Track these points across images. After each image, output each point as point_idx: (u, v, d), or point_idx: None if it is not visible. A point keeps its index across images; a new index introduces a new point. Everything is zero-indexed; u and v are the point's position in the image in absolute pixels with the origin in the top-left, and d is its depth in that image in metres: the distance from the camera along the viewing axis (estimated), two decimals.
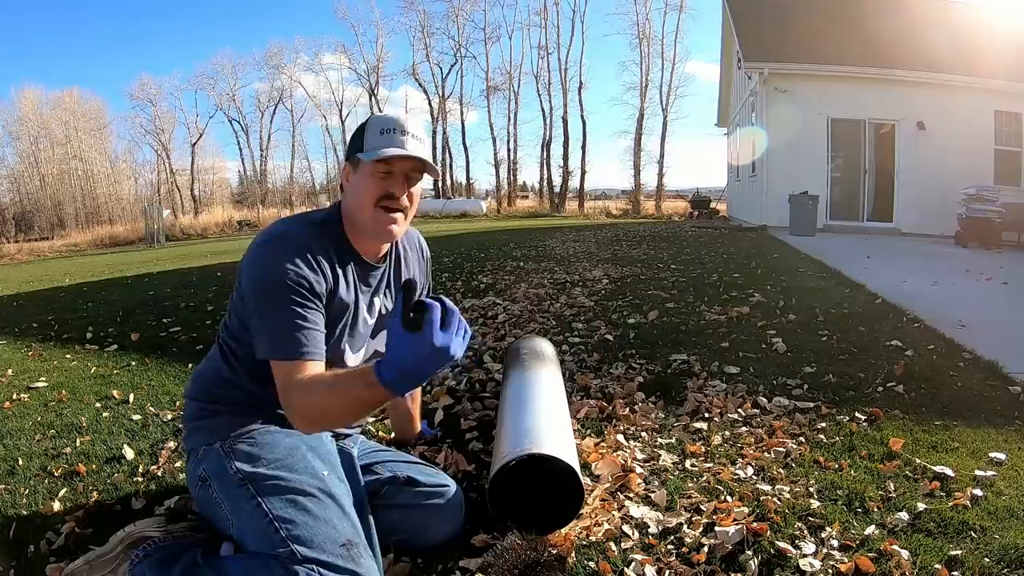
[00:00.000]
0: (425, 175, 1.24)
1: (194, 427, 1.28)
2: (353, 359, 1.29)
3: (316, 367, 1.13)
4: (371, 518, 1.24)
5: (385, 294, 1.34)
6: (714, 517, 1.42)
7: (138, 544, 1.20)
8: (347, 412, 1.11)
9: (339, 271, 1.21)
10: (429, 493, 1.36)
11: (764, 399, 2.20)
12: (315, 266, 1.16)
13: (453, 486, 1.40)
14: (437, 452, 1.77)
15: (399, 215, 1.21)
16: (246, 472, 1.15)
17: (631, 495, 1.55)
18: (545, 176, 29.35)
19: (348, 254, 1.24)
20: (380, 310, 1.32)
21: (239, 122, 32.62)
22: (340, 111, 32.59)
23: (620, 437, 1.89)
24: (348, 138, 1.26)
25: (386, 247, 1.32)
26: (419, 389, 1.68)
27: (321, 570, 1.01)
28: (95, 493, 1.64)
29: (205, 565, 1.12)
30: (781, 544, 1.30)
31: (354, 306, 1.25)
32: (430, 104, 30.31)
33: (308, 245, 1.16)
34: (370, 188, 1.18)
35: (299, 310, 1.12)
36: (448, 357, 0.98)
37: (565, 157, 27.61)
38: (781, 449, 1.79)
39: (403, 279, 1.35)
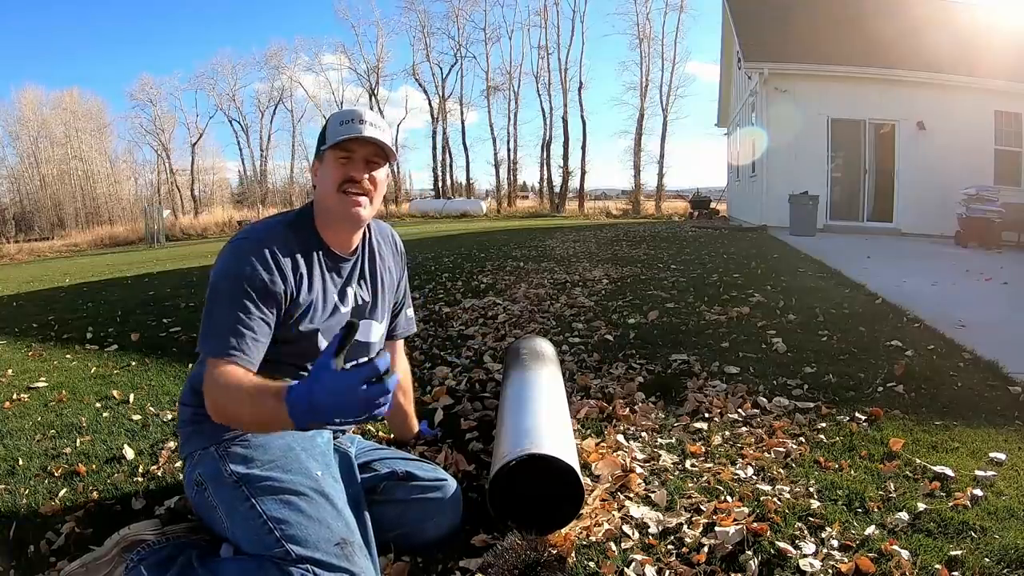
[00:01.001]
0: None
1: (189, 432, 1.28)
2: None
3: (240, 372, 1.12)
4: (367, 516, 1.24)
5: (360, 284, 1.35)
6: (714, 517, 1.42)
7: (133, 547, 1.20)
8: (255, 423, 1.08)
9: (304, 268, 1.23)
10: (427, 487, 1.36)
11: (764, 399, 2.20)
12: (273, 266, 1.17)
13: (451, 480, 1.40)
14: (437, 452, 1.77)
15: (363, 198, 1.24)
16: (240, 474, 1.15)
17: (631, 495, 1.55)
18: (545, 176, 29.43)
19: (317, 248, 1.27)
20: (355, 300, 1.34)
21: (239, 122, 32.70)
22: None
23: (620, 437, 1.89)
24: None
25: (357, 239, 1.34)
26: (411, 385, 1.68)
27: (316, 569, 1.02)
28: (95, 493, 1.64)
29: (200, 567, 1.12)
30: (781, 544, 1.30)
31: (324, 297, 1.27)
32: (430, 104, 30.36)
33: (271, 245, 1.18)
34: (332, 174, 1.23)
35: (242, 314, 1.13)
36: (354, 410, 0.92)
37: (565, 157, 27.67)
38: (781, 449, 1.79)
39: (378, 272, 1.39)
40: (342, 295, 1.31)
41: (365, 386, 0.90)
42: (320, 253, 1.27)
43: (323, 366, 0.93)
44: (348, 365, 0.93)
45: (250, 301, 1.14)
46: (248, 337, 1.13)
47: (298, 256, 1.23)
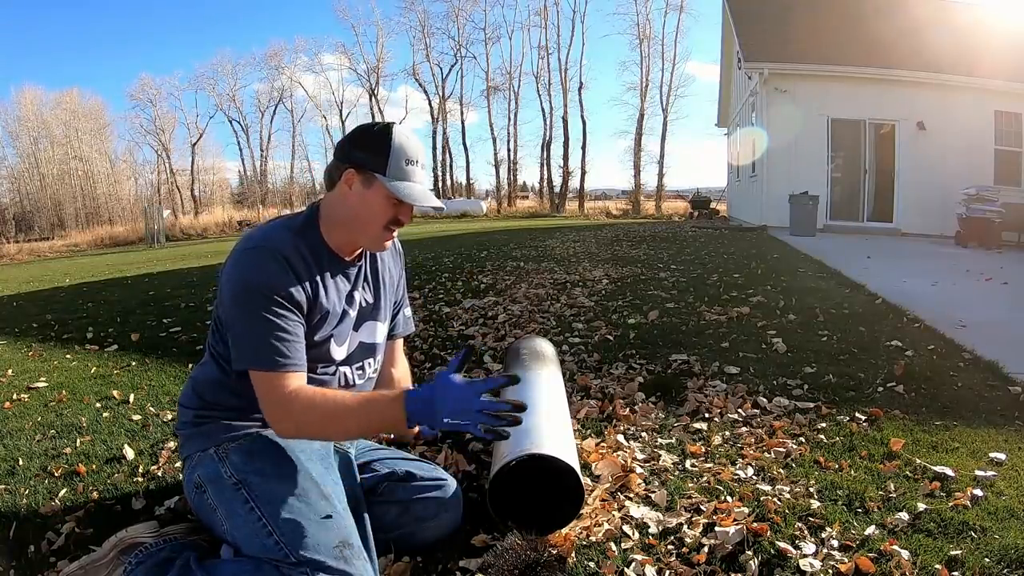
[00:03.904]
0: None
1: (189, 434, 1.27)
2: (339, 351, 1.30)
3: (300, 379, 1.15)
4: (367, 518, 1.24)
5: (364, 288, 1.35)
6: (714, 517, 1.42)
7: (131, 550, 1.20)
8: (356, 432, 1.20)
9: (318, 275, 1.22)
10: (427, 487, 1.36)
11: (764, 399, 2.20)
12: (293, 274, 1.16)
13: (451, 480, 1.40)
14: (437, 452, 1.77)
15: (395, 232, 1.28)
16: (240, 476, 1.15)
17: (631, 495, 1.55)
18: (545, 176, 29.37)
19: (326, 255, 1.26)
20: (360, 303, 1.34)
21: (239, 122, 32.66)
22: (340, 111, 32.40)
23: (620, 437, 1.89)
24: (353, 137, 1.24)
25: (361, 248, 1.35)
26: (411, 384, 1.68)
27: (314, 572, 1.02)
28: (95, 493, 1.64)
29: (198, 570, 1.12)
30: (781, 544, 1.30)
31: (336, 304, 1.27)
32: (430, 104, 30.33)
33: (287, 253, 1.17)
34: (383, 213, 1.22)
35: (276, 320, 1.13)
36: (471, 412, 1.07)
37: (565, 157, 27.62)
38: (781, 449, 1.79)
39: (380, 274, 1.40)
40: (349, 299, 1.30)
41: (485, 396, 1.06)
42: (329, 260, 1.26)
43: (446, 379, 1.07)
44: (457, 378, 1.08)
45: (281, 308, 1.14)
46: (291, 341, 1.14)
47: (311, 264, 1.22)
